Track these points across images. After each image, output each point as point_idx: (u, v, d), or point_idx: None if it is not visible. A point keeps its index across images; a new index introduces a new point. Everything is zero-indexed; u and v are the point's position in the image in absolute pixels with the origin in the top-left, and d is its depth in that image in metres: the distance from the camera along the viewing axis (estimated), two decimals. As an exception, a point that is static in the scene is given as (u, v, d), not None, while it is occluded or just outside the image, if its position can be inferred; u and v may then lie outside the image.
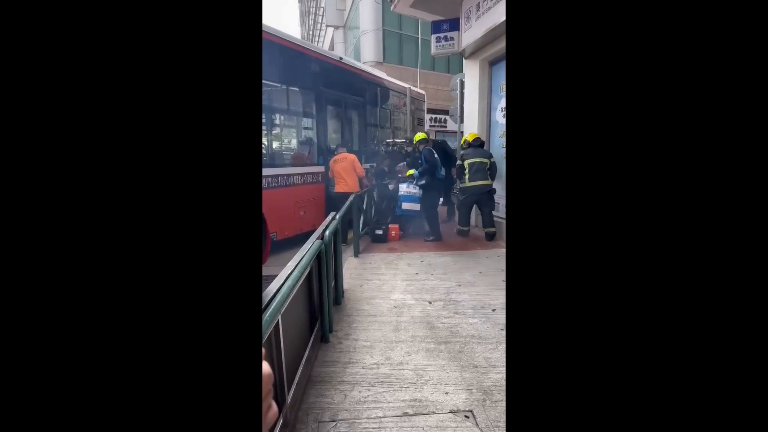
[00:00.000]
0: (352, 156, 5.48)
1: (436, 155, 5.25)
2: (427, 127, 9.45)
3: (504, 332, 2.56)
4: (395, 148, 6.84)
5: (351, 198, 4.44)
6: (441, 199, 5.83)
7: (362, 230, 5.42)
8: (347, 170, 5.33)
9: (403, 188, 5.38)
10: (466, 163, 5.13)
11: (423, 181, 5.16)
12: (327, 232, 2.67)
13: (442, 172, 5.41)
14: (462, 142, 5.68)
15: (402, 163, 6.30)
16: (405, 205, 5.32)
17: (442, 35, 6.11)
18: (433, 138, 6.47)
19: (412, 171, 5.33)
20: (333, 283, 3.07)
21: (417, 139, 5.57)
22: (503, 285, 3.41)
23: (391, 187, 6.24)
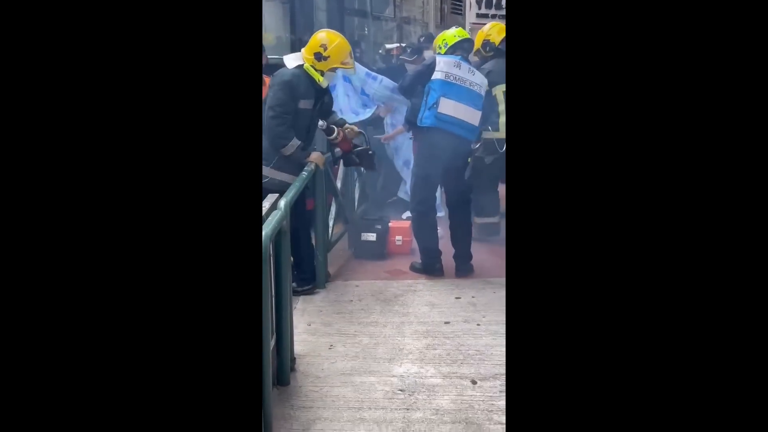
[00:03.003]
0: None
1: None
2: (471, 17, 9.27)
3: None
4: (406, 59, 6.64)
5: (310, 168, 4.39)
6: None
7: (335, 234, 5.45)
8: None
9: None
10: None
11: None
12: (263, 235, 2.62)
13: None
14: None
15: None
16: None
17: None
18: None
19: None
20: (272, 344, 3.03)
21: (448, 42, 5.14)
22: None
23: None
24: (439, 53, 4.95)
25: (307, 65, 4.37)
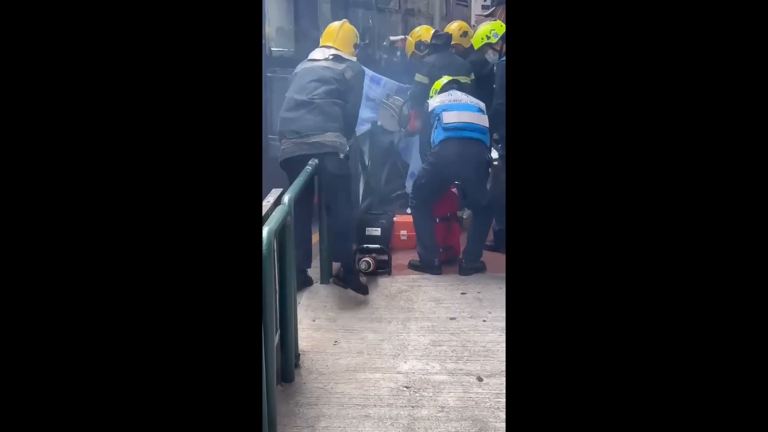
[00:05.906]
0: None
1: None
2: (477, 9, 9.27)
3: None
4: (417, 53, 6.58)
5: (313, 163, 4.35)
6: None
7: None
8: None
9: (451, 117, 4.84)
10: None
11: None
12: (265, 232, 2.63)
13: None
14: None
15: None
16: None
17: None
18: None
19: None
20: (276, 339, 3.04)
21: (436, 88, 5.33)
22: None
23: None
24: (430, 97, 5.13)
25: (355, 60, 4.63)
